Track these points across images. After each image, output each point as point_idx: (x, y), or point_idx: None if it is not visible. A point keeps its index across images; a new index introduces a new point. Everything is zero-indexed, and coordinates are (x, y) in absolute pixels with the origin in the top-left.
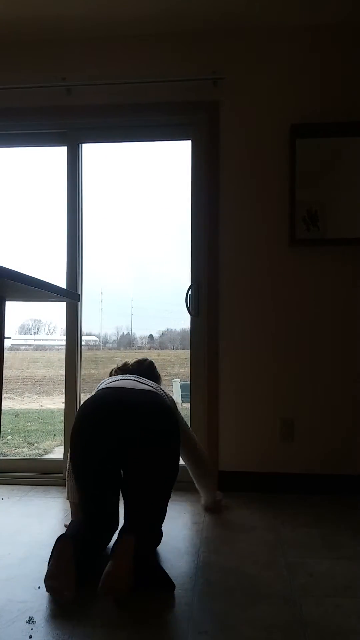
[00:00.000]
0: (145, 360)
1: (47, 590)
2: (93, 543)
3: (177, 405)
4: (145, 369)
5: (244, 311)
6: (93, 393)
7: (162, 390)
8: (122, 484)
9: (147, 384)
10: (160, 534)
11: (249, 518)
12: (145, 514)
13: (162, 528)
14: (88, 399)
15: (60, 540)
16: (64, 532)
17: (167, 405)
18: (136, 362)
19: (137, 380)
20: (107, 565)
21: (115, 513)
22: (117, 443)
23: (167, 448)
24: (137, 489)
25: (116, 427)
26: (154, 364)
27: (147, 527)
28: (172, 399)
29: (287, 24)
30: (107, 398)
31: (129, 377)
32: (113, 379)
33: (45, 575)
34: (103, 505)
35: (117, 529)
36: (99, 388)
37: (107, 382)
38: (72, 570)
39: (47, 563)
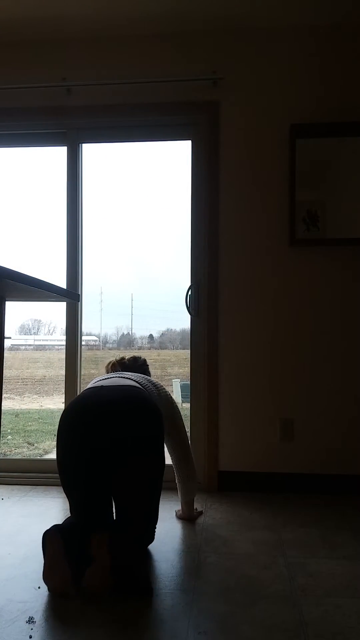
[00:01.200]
0: (140, 357)
1: (48, 590)
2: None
3: (177, 404)
4: (139, 365)
5: (244, 311)
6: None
7: (150, 382)
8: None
9: (130, 379)
10: (151, 535)
11: (249, 518)
12: (132, 516)
13: (155, 528)
14: (73, 399)
15: (47, 536)
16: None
17: (147, 399)
18: (132, 357)
19: (120, 377)
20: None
21: (106, 513)
22: (97, 442)
23: (148, 443)
24: (120, 491)
25: (96, 426)
26: (146, 361)
27: (136, 529)
28: (167, 393)
29: (287, 24)
30: (88, 399)
31: (112, 376)
32: (98, 379)
33: (42, 575)
34: (90, 507)
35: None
36: (86, 388)
37: (94, 382)
38: (66, 568)
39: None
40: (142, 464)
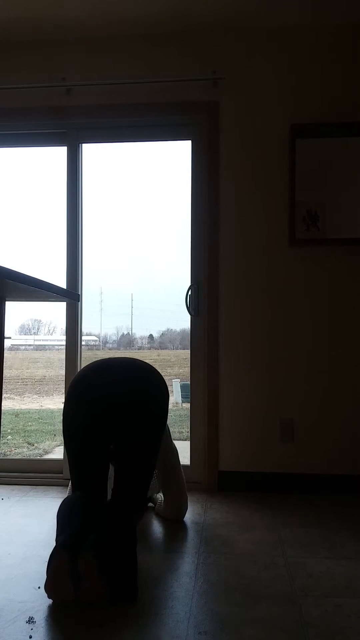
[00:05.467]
0: None
1: (48, 597)
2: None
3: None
4: None
5: (244, 311)
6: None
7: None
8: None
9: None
10: (144, 505)
11: (249, 518)
12: (128, 489)
13: (147, 501)
14: (81, 374)
15: (55, 554)
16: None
17: (157, 386)
18: None
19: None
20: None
21: (104, 484)
22: (105, 426)
23: (151, 433)
24: (121, 466)
25: (104, 413)
26: None
27: (131, 501)
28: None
29: (287, 24)
30: (97, 381)
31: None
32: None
33: (44, 586)
34: (92, 481)
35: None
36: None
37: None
38: (68, 583)
39: (46, 564)
40: (144, 448)
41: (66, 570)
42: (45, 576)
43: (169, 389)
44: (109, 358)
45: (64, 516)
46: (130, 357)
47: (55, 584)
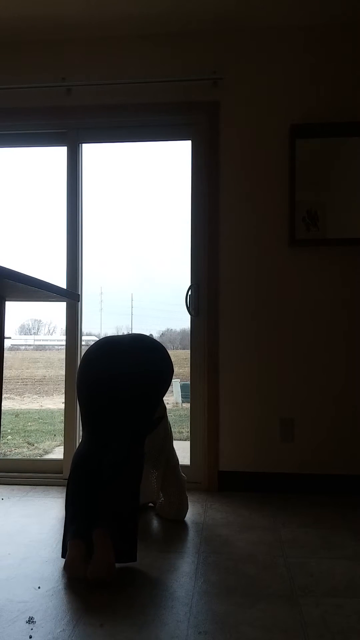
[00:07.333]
0: None
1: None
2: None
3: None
4: None
5: (243, 311)
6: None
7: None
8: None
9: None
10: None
11: (249, 518)
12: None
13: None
14: (88, 355)
15: (72, 544)
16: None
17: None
18: None
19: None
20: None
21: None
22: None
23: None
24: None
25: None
26: None
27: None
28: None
29: (287, 24)
30: (102, 371)
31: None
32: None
33: (64, 565)
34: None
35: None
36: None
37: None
38: (84, 565)
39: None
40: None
41: (82, 555)
42: (63, 561)
43: (169, 388)
44: (116, 339)
45: (74, 499)
46: (138, 336)
47: (73, 568)
